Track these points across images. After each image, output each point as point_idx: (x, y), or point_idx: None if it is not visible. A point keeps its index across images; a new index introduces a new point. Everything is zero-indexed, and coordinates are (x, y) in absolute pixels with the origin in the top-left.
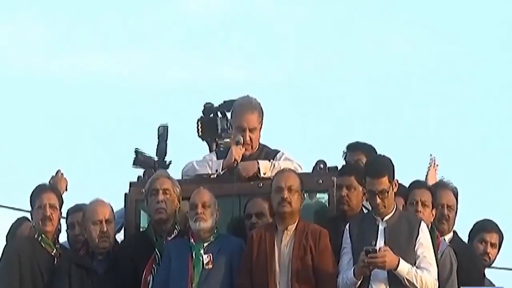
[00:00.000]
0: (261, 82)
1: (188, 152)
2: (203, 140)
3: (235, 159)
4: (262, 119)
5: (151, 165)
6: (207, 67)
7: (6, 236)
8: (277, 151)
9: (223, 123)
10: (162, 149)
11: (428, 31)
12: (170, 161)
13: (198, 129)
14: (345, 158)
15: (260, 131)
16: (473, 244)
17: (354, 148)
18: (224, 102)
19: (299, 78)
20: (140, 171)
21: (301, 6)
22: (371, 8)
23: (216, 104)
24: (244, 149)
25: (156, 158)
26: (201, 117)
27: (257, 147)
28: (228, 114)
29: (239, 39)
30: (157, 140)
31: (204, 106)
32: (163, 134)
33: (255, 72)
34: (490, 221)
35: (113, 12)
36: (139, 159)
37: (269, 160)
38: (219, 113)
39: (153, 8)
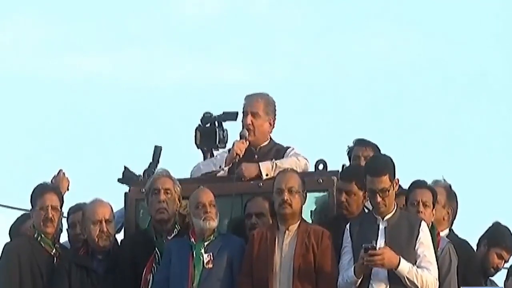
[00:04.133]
0: (259, 82)
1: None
2: (199, 148)
3: (237, 154)
4: (271, 113)
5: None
6: (205, 68)
7: (9, 233)
8: (288, 148)
9: (220, 133)
10: (150, 170)
11: (429, 31)
12: None
13: (195, 138)
14: (349, 153)
15: (269, 124)
16: (489, 252)
17: (364, 144)
18: (223, 113)
19: (297, 79)
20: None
21: (297, 6)
22: (370, 7)
23: (214, 114)
24: (248, 143)
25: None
26: (199, 125)
27: (268, 140)
28: (225, 124)
29: (236, 40)
30: (151, 160)
31: (203, 115)
32: (155, 155)
33: (253, 72)
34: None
35: (111, 13)
36: (126, 177)
37: (271, 160)
38: (217, 123)
39: (151, 9)
